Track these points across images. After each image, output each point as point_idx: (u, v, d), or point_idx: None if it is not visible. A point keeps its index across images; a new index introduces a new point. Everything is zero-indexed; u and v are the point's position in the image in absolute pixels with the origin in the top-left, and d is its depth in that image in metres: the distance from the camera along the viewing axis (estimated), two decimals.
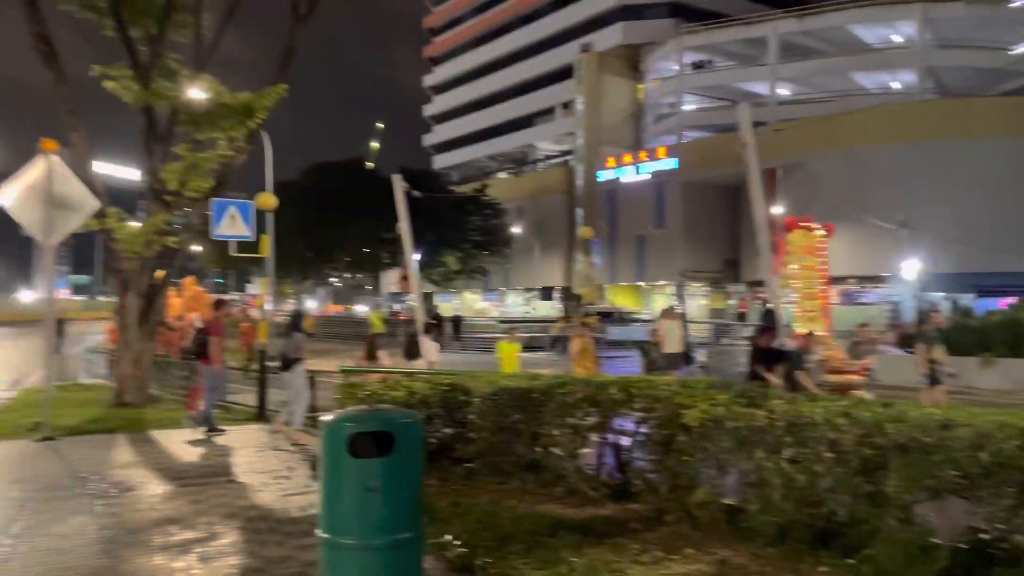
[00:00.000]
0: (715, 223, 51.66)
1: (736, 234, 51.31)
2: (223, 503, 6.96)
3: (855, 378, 11.65)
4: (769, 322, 10.85)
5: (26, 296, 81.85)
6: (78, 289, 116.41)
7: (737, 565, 4.99)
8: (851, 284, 46.23)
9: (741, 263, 51.51)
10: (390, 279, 62.14)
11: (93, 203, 11.27)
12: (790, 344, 10.15)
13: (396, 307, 52.14)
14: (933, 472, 4.66)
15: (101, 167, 12.09)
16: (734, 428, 5.43)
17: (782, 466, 5.23)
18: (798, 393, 6.88)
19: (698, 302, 53.67)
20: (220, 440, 10.17)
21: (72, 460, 8.86)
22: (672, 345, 15.28)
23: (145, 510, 6.75)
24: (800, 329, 13.87)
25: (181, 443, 9.91)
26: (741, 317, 45.19)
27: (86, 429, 10.88)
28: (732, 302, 52.19)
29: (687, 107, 59.62)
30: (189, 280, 24.21)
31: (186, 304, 20.35)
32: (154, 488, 7.54)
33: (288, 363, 10.85)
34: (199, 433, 10.53)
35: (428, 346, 11.59)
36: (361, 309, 67.52)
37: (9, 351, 30.52)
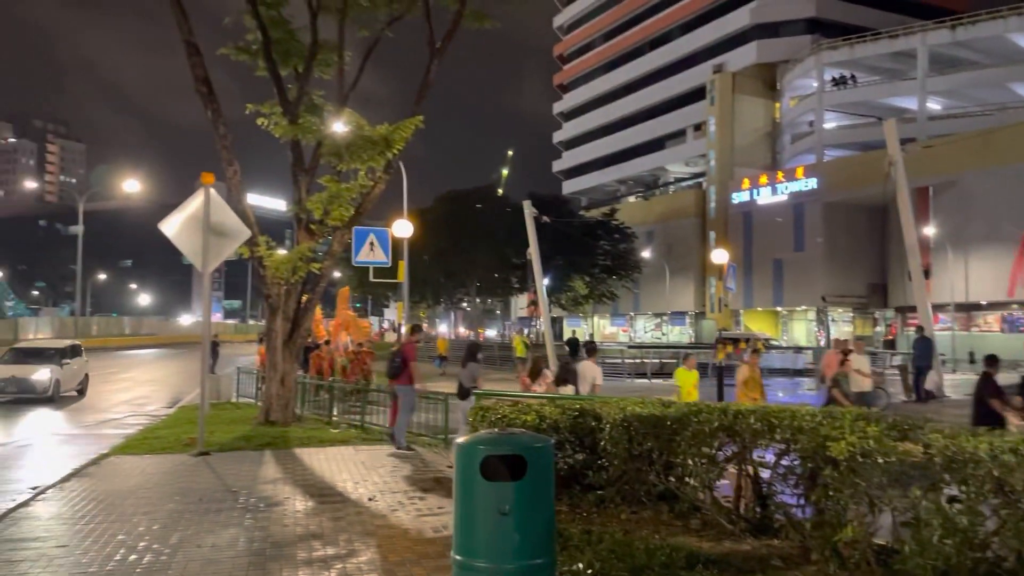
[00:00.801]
0: (859, 245, 49.19)
1: (883, 257, 48.66)
2: (361, 521, 7.19)
3: None
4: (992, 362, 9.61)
5: (185, 320, 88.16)
6: (230, 313, 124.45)
7: None
8: (1014, 310, 42.83)
9: (888, 287, 48.70)
10: (520, 304, 62.80)
11: (245, 232, 12.05)
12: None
13: (528, 331, 52.49)
14: None
15: (251, 199, 13.02)
16: (886, 463, 5.10)
17: (941, 505, 4.86)
18: None
19: (841, 329, 51.11)
20: (358, 458, 10.53)
21: (224, 475, 9.41)
22: (863, 381, 13.53)
23: (290, 525, 7.07)
24: None
25: (323, 461, 10.33)
26: (890, 344, 42.67)
27: (237, 446, 11.55)
28: (880, 329, 49.37)
29: (828, 125, 57.33)
30: (342, 303, 25.28)
31: (338, 327, 21.29)
32: (298, 504, 7.89)
33: (465, 392, 11.20)
34: (393, 449, 11.16)
35: (592, 370, 11.40)
36: (490, 333, 68.44)
37: (170, 371, 32.92)
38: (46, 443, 13.24)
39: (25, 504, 7.88)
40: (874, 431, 5.31)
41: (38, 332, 50.63)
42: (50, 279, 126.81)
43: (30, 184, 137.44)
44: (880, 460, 5.11)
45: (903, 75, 54.52)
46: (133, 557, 6.03)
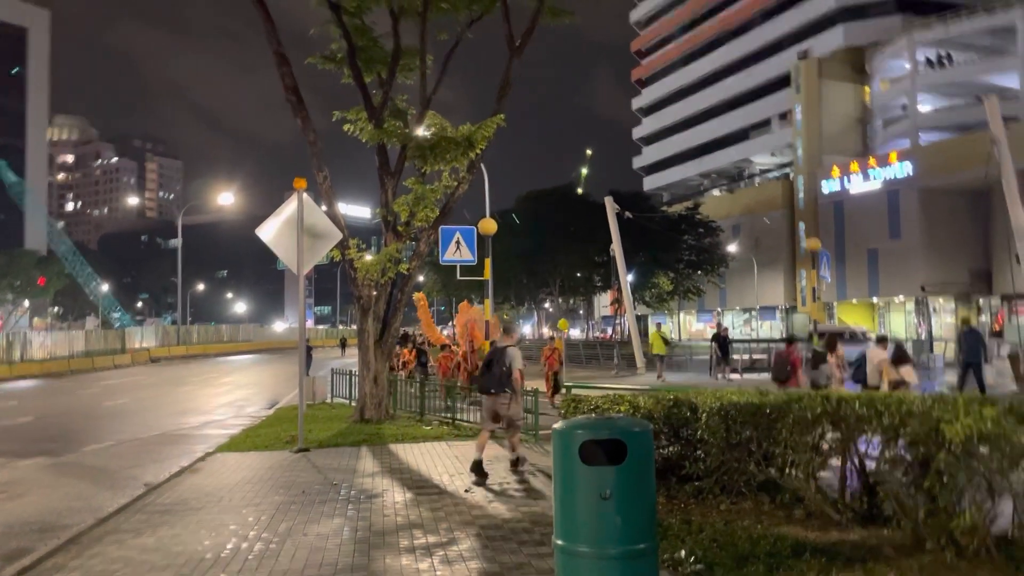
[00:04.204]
0: (959, 231, 46.88)
1: (986, 242, 46.26)
2: (458, 511, 7.29)
3: None
4: None
5: (279, 327, 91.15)
6: (320, 319, 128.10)
7: None
8: None
9: (993, 274, 46.26)
10: (603, 302, 62.41)
11: (337, 233, 12.39)
12: None
13: (611, 329, 52.11)
14: None
15: (338, 206, 13.43)
16: (1007, 445, 4.86)
17: None
18: None
19: (942, 319, 48.89)
20: (451, 453, 10.67)
21: (324, 469, 9.70)
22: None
23: (390, 515, 7.23)
24: None
25: (417, 455, 10.53)
26: (997, 334, 40.57)
27: (334, 442, 11.88)
28: (985, 318, 46.95)
29: (922, 108, 54.91)
30: (464, 304, 25.64)
31: (464, 328, 21.60)
32: (397, 496, 8.07)
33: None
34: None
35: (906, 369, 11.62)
36: (574, 332, 68.24)
37: (266, 375, 34.11)
38: (153, 443, 13.91)
39: (140, 498, 8.29)
40: (991, 413, 5.07)
41: (143, 341, 53.24)
42: (152, 290, 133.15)
43: (132, 201, 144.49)
44: (1000, 443, 4.88)
45: (1002, 52, 51.78)
46: (245, 545, 6.28)
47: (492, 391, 9.25)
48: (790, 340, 14.55)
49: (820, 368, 12.29)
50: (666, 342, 27.91)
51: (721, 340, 26.68)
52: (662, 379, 23.86)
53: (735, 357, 28.20)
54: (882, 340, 12.86)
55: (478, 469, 8.76)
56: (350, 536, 6.51)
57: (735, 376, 24.73)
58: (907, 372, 11.36)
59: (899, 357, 11.65)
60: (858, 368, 12.14)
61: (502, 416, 9.31)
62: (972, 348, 16.27)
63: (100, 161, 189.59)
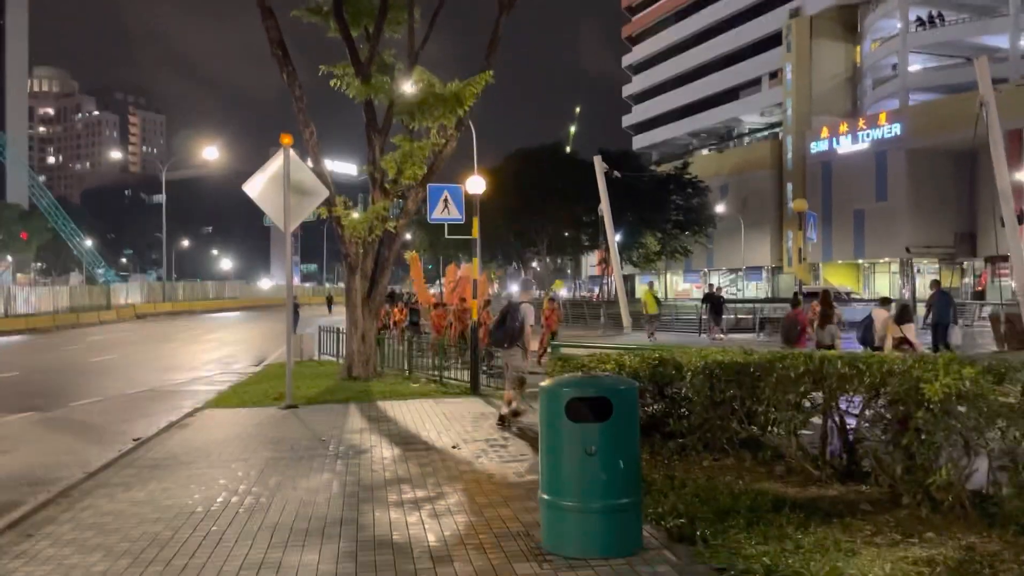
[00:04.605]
0: (945, 193, 47.09)
1: (972, 205, 46.45)
2: (446, 466, 7.40)
3: None
4: None
5: (265, 284, 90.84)
6: (307, 277, 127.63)
7: (988, 552, 4.58)
8: None
9: (978, 237, 46.60)
10: (591, 262, 62.48)
11: (324, 190, 12.33)
12: None
13: (597, 289, 52.28)
14: None
15: (325, 163, 13.25)
16: (984, 404, 4.97)
17: None
18: None
19: (927, 280, 49.36)
20: (439, 410, 10.78)
21: (312, 425, 9.78)
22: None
23: (378, 470, 7.33)
24: None
25: (405, 412, 10.63)
26: (979, 296, 41.03)
27: (322, 399, 11.97)
28: (968, 280, 47.42)
29: (912, 68, 54.66)
30: (452, 267, 25.50)
31: (454, 289, 21.45)
32: (385, 451, 8.16)
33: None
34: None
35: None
36: (562, 293, 68.22)
37: (253, 332, 34.12)
38: (141, 399, 13.96)
39: (128, 453, 8.35)
40: (970, 372, 5.17)
41: (128, 297, 53.02)
42: (136, 246, 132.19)
43: (115, 155, 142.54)
44: (977, 401, 4.98)
45: (993, 12, 51.49)
46: (235, 499, 6.36)
47: (505, 345, 9.80)
48: (795, 302, 14.73)
49: (826, 328, 12.55)
50: (658, 301, 27.64)
51: (714, 300, 26.27)
52: (653, 339, 23.63)
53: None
54: (886, 301, 13.09)
55: (503, 421, 9.48)
56: (339, 491, 6.60)
57: (721, 336, 24.73)
58: (909, 330, 11.61)
59: (903, 317, 11.91)
60: (866, 329, 12.37)
61: (508, 367, 9.81)
62: (941, 310, 16.67)
63: (81, 114, 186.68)
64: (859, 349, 11.72)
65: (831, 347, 11.90)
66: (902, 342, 11.49)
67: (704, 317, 26.81)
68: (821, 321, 12.69)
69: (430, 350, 15.08)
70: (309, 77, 14.60)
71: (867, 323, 12.51)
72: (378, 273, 14.72)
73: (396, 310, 20.85)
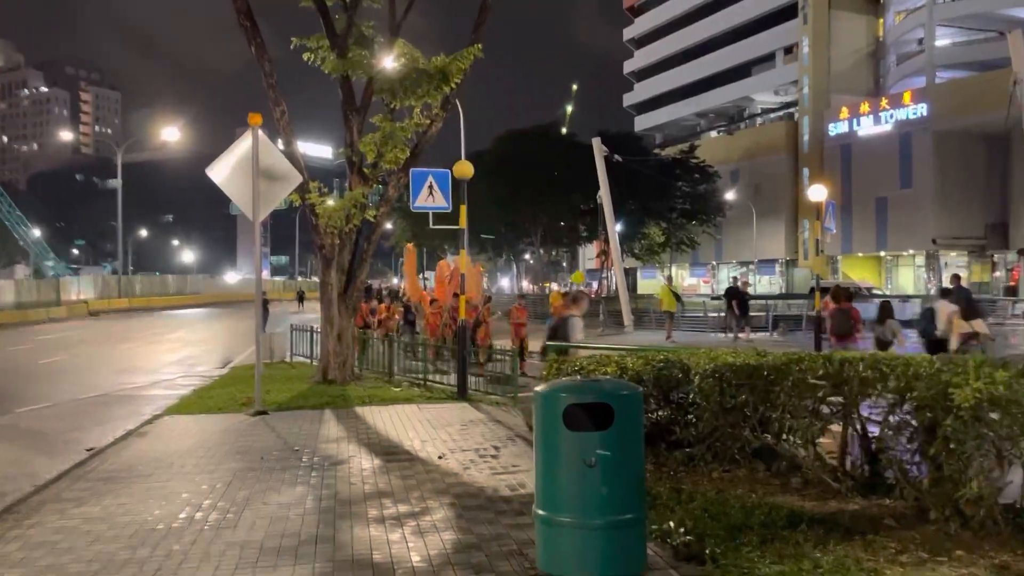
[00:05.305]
0: (976, 180, 47.35)
1: (1004, 193, 46.76)
2: (431, 479, 7.40)
3: None
4: None
5: (231, 277, 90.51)
6: (277, 270, 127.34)
7: (1022, 572, 4.61)
8: None
9: (1010, 227, 46.87)
10: (589, 254, 62.53)
11: (297, 176, 12.28)
12: None
13: (596, 283, 52.34)
14: None
15: (298, 145, 13.18)
16: (1018, 411, 5.00)
17: None
18: None
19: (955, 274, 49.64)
20: (423, 416, 10.78)
21: (284, 434, 9.76)
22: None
23: (357, 483, 7.32)
24: None
25: (386, 419, 10.63)
26: (1012, 291, 41.28)
27: (295, 404, 11.95)
28: (999, 274, 47.70)
29: (940, 42, 54.87)
30: (443, 262, 25.51)
31: (445, 285, 21.44)
32: (364, 462, 8.16)
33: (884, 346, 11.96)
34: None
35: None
36: (555, 287, 68.29)
37: (218, 331, 33.99)
38: (94, 405, 13.89)
39: (81, 464, 8.32)
40: (1003, 376, 5.20)
41: (80, 292, 52.75)
42: (89, 236, 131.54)
43: (65, 135, 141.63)
44: (1012, 408, 5.01)
45: None
46: (199, 515, 6.34)
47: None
48: (835, 297, 14.41)
49: (887, 323, 12.61)
50: (677, 297, 26.54)
51: (739, 295, 25.21)
52: (672, 340, 22.51)
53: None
54: (946, 293, 13.24)
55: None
56: (314, 505, 6.59)
57: (749, 337, 23.68)
58: (979, 325, 11.75)
59: (971, 310, 12.03)
60: (928, 323, 12.54)
61: None
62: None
63: (28, 90, 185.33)
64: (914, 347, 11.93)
65: (890, 344, 12.08)
66: (970, 338, 11.58)
67: (732, 314, 25.62)
68: (880, 316, 12.87)
69: (429, 353, 15.05)
70: (280, 51, 14.59)
71: (927, 315, 12.65)
72: (356, 266, 14.69)
73: (383, 307, 20.83)
